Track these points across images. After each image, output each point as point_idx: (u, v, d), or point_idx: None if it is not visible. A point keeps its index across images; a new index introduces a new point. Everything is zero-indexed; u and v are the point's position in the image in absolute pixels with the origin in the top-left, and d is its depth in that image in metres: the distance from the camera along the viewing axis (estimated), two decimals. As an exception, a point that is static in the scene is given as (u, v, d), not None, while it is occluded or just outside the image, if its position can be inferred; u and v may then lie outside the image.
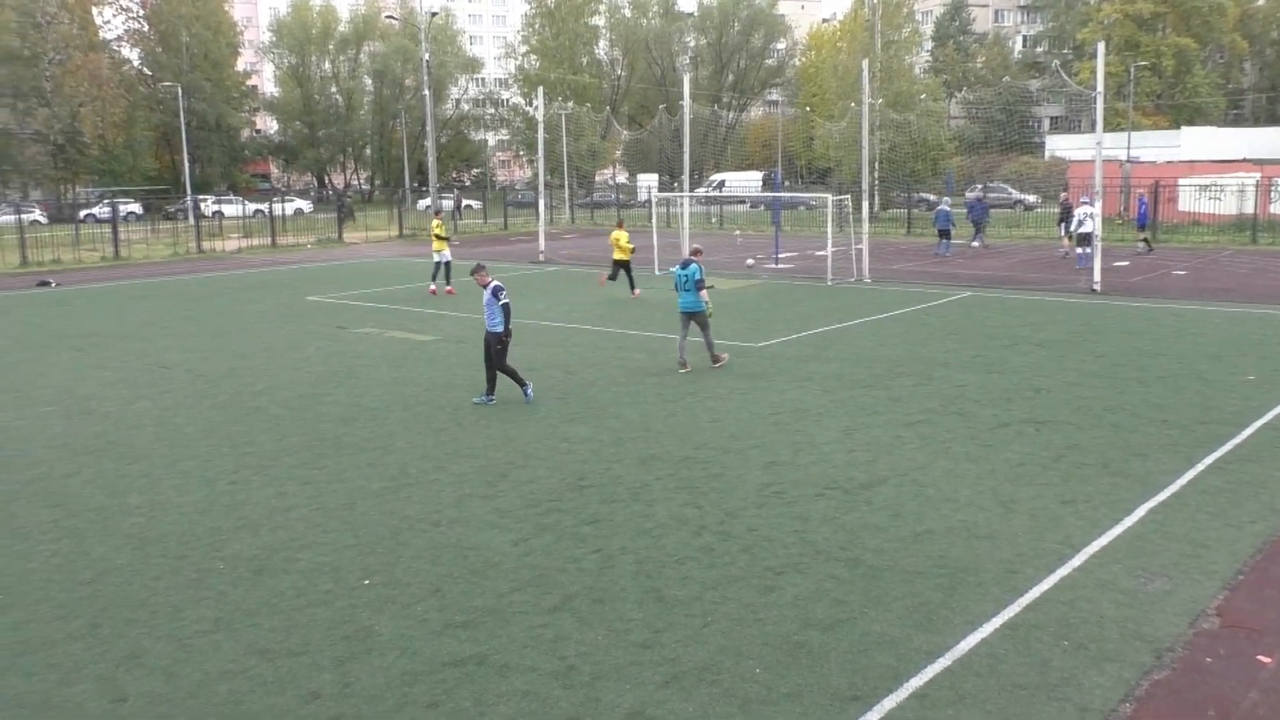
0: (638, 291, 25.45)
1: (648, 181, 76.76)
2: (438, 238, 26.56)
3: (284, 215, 54.28)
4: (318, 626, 7.35)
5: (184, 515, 9.75)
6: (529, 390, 13.91)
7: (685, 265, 15.87)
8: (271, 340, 19.89)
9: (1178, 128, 66.62)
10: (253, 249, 43.93)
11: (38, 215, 58.93)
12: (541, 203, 39.60)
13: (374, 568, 8.37)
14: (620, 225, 26.96)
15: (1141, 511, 9.35)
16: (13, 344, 20.21)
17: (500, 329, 13.45)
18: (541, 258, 36.04)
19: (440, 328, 20.57)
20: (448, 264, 26.45)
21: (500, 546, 8.74)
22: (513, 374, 13.81)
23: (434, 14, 71.35)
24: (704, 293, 15.74)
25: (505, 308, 13.42)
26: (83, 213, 58.44)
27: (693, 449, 11.60)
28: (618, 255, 25.64)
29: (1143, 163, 50.80)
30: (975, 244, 36.94)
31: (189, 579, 8.26)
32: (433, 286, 26.30)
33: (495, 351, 13.55)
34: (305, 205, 64.71)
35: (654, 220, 33.16)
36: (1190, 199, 42.79)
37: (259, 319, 22.92)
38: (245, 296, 27.30)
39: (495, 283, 13.52)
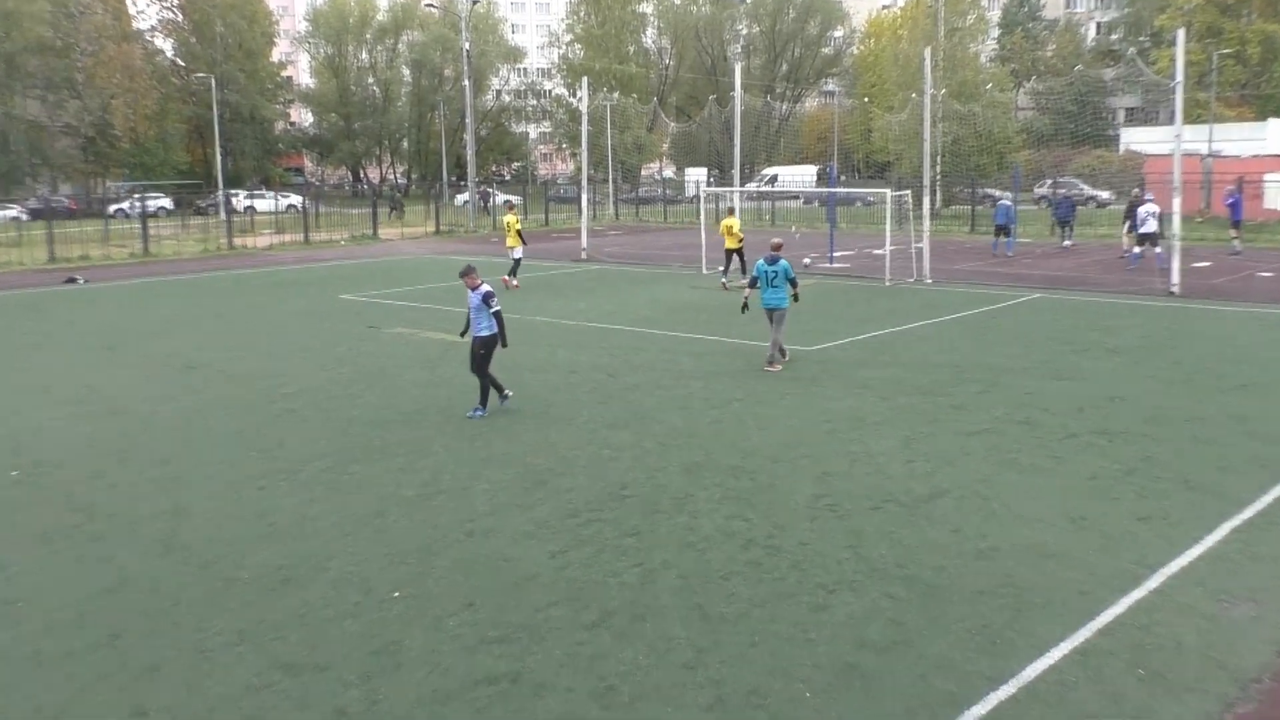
0: (727, 284, 26.18)
1: (696, 176, 76.76)
2: (516, 233, 28.01)
3: (310, 210, 54.59)
4: (345, 640, 7.36)
5: (209, 521, 9.84)
6: (481, 411, 13.51)
7: (773, 260, 16.21)
8: (303, 340, 20.06)
9: (1264, 119, 65.32)
10: (285, 245, 44.43)
11: (16, 212, 59.97)
12: (584, 198, 39.69)
13: (404, 579, 8.38)
14: (732, 213, 27.78)
15: (1224, 530, 9.13)
16: (40, 342, 20.56)
17: (487, 334, 13.39)
18: (584, 255, 36.10)
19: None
20: (517, 261, 28.12)
21: (537, 559, 8.72)
22: (492, 382, 13.68)
23: (475, 2, 71.86)
24: (795, 289, 16.28)
25: (499, 316, 13.36)
26: (112, 208, 59.50)
27: (741, 458, 11.54)
28: (730, 244, 26.55)
29: (1226, 157, 49.85)
30: (1067, 243, 36.82)
31: (212, 588, 8.31)
32: (516, 281, 27.45)
33: (479, 357, 13.48)
34: (296, 199, 64.88)
35: (702, 217, 33.10)
36: (1278, 195, 41.90)
37: (290, 318, 23.16)
38: (277, 294, 27.59)
39: (486, 287, 13.44)
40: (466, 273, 13.65)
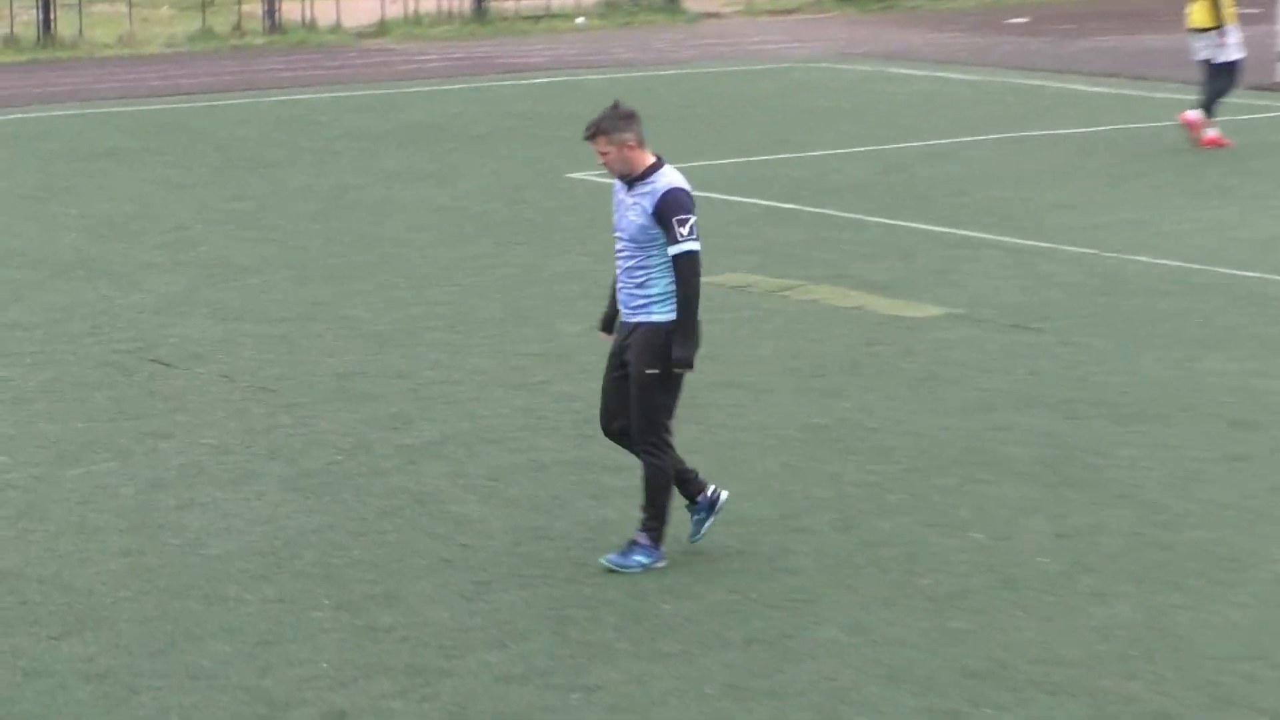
0: None
1: None
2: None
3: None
4: None
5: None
6: (645, 556, 12.91)
7: None
8: (452, 288, 20.74)
9: None
10: (422, 28, 46.30)
11: None
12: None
13: None
14: None
15: None
16: None
17: (660, 318, 12.54)
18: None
19: (969, 280, 20.93)
20: (1231, 69, 29.65)
21: None
22: (679, 483, 13.01)
23: None
24: None
25: (688, 265, 12.35)
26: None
27: None
28: None
29: None
30: None
31: None
32: (1210, 132, 29.52)
33: (645, 387, 12.66)
34: None
35: None
36: None
37: (431, 228, 24.15)
38: (392, 160, 29.21)
39: (669, 176, 12.40)
40: (606, 129, 12.68)
